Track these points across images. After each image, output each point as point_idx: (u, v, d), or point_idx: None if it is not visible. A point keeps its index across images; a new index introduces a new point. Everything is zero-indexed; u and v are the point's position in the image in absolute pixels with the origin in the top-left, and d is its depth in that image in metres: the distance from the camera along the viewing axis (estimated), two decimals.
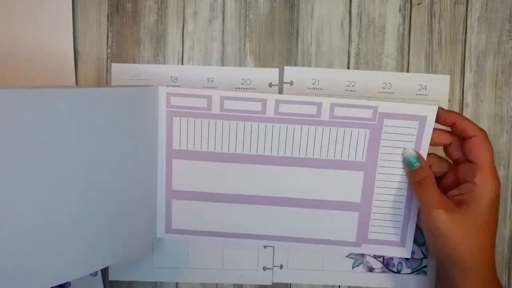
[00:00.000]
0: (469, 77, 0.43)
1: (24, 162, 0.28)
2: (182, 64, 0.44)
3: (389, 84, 0.43)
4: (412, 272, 0.43)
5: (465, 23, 0.43)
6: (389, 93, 0.43)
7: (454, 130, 0.37)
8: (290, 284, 0.44)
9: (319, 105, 0.38)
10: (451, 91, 0.43)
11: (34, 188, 0.29)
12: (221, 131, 0.38)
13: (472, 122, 0.36)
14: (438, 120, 0.37)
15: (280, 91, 0.43)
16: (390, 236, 0.40)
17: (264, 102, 0.38)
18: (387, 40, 0.43)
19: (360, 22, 0.43)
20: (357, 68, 0.43)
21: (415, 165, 0.37)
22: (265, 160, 0.39)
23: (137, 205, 0.38)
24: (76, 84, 0.43)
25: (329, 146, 0.38)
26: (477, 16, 0.43)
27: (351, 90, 0.43)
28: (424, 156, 0.38)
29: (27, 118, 0.28)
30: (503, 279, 0.44)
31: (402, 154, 0.38)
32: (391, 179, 0.39)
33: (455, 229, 0.34)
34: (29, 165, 0.28)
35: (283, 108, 0.38)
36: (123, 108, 0.35)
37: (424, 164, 0.37)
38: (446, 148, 0.38)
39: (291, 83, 0.43)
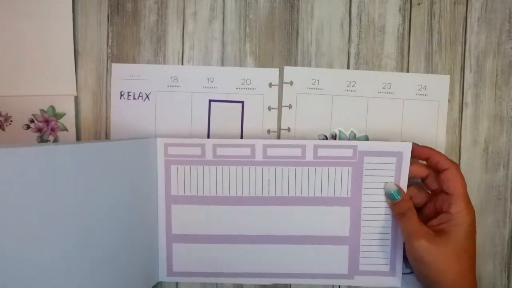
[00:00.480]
0: (469, 77, 0.44)
1: (29, 212, 0.28)
2: (182, 64, 0.44)
3: (389, 84, 0.43)
4: (411, 272, 0.43)
5: (465, 23, 0.43)
6: (389, 93, 0.43)
7: (429, 164, 0.39)
8: (290, 284, 0.44)
9: (303, 147, 0.41)
10: (451, 91, 0.43)
11: (36, 234, 0.29)
12: (215, 176, 0.41)
13: (444, 156, 0.38)
14: (413, 154, 0.40)
15: (280, 91, 0.43)
16: (381, 266, 0.42)
17: (253, 147, 0.41)
18: (387, 40, 0.43)
19: (360, 22, 0.43)
20: (357, 68, 0.43)
21: (397, 198, 0.40)
22: (257, 201, 0.42)
23: (139, 251, 0.40)
24: (76, 84, 0.43)
25: (315, 184, 0.41)
26: (476, 16, 0.43)
27: (351, 90, 0.43)
28: (404, 188, 0.40)
29: (32, 174, 0.28)
30: (503, 279, 0.44)
31: (384, 188, 0.41)
32: (376, 212, 0.41)
33: (437, 256, 0.36)
34: (33, 214, 0.29)
35: (271, 152, 0.41)
36: (124, 160, 0.37)
37: (405, 197, 0.40)
38: (424, 180, 0.41)
39: (291, 83, 0.43)
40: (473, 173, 0.44)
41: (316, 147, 0.41)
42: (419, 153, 0.39)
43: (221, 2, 0.43)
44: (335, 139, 0.43)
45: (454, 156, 0.44)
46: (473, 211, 0.37)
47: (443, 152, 0.43)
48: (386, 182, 0.40)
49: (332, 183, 0.41)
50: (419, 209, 0.40)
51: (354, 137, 0.43)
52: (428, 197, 0.41)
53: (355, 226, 0.42)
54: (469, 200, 0.38)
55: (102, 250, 0.35)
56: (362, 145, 0.40)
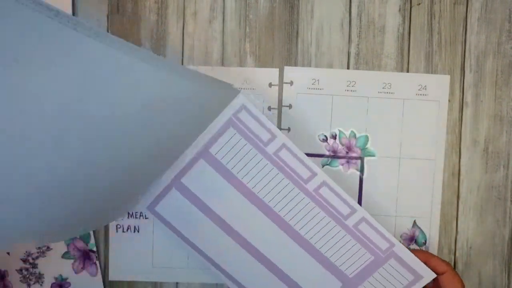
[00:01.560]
0: (469, 77, 0.44)
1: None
2: (182, 64, 0.44)
3: (389, 84, 0.43)
4: None
5: (465, 23, 0.43)
6: (389, 93, 0.43)
7: (428, 267, 0.39)
8: None
9: (350, 208, 0.39)
10: (451, 91, 0.43)
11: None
12: (261, 170, 0.38)
13: (439, 258, 0.39)
14: None
15: (280, 91, 0.43)
16: None
17: (313, 175, 0.38)
18: (387, 40, 0.43)
19: (360, 22, 0.43)
20: (357, 68, 0.43)
21: None
22: (275, 218, 0.39)
23: (141, 166, 0.35)
24: None
25: (334, 246, 0.39)
26: (476, 16, 0.43)
27: (351, 90, 0.43)
28: None
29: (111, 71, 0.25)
30: (503, 279, 0.44)
31: None
32: None
33: None
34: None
35: (323, 191, 0.38)
36: (197, 92, 0.32)
37: None
38: None
39: (291, 83, 0.43)
40: (473, 173, 0.44)
41: (361, 221, 0.39)
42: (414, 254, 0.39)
43: (221, 2, 0.43)
44: (335, 139, 0.43)
45: (454, 156, 0.44)
46: None
47: (443, 152, 0.43)
48: None
49: (347, 257, 0.39)
50: None
51: (354, 137, 0.43)
52: None
53: None
54: None
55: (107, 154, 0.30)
56: (399, 249, 0.38)
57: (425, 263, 0.39)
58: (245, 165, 0.38)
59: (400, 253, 0.39)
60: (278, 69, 0.43)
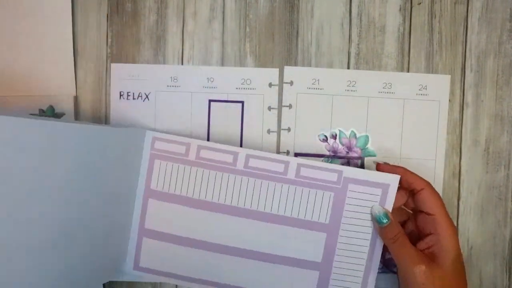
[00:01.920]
0: (469, 77, 0.43)
1: (21, 179, 0.31)
2: (182, 64, 0.43)
3: (389, 84, 0.43)
4: None
5: (465, 23, 0.43)
6: (390, 93, 0.43)
7: (402, 184, 0.39)
8: None
9: (286, 164, 0.40)
10: (452, 91, 0.43)
11: (22, 202, 0.31)
12: (194, 178, 0.41)
13: (416, 175, 0.38)
14: (385, 171, 0.39)
15: (280, 91, 0.43)
16: None
17: (235, 155, 0.40)
18: (387, 40, 0.43)
19: (360, 22, 0.43)
20: (357, 68, 0.43)
21: (384, 222, 0.38)
22: (232, 211, 0.41)
23: (110, 237, 0.40)
24: (76, 84, 0.43)
25: (294, 205, 0.40)
26: (477, 16, 0.43)
27: (352, 90, 0.43)
28: None
29: (32, 144, 0.31)
30: (504, 280, 0.44)
31: (371, 212, 0.39)
32: (353, 242, 0.40)
33: (435, 281, 0.35)
34: (25, 182, 0.31)
35: (253, 162, 0.40)
36: (112, 145, 0.38)
37: (394, 220, 0.38)
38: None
39: (291, 83, 0.43)
40: (474, 173, 0.44)
41: (299, 166, 0.40)
42: (392, 172, 0.39)
43: (221, 2, 0.43)
44: (335, 139, 0.43)
45: (454, 156, 0.44)
46: (456, 229, 0.38)
47: (443, 151, 0.43)
48: (373, 206, 0.39)
49: (311, 207, 0.40)
50: None
51: (354, 137, 0.43)
52: (407, 215, 0.41)
53: (329, 253, 0.40)
54: (450, 218, 0.37)
55: (76, 227, 0.36)
56: (348, 171, 0.39)
57: (402, 179, 0.38)
58: (183, 182, 0.41)
59: (352, 175, 0.39)
60: (278, 69, 0.43)
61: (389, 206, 0.39)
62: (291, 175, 0.40)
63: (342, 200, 0.40)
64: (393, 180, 0.38)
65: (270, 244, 0.41)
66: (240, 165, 0.40)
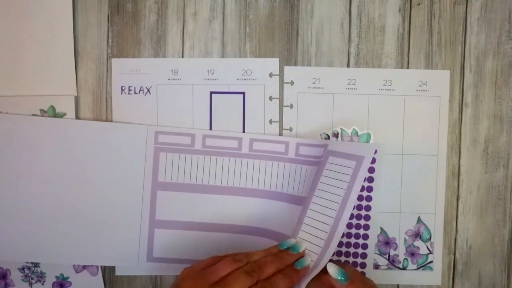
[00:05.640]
0: (468, 77, 0.44)
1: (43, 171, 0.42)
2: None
3: (390, 81, 0.43)
4: (418, 268, 0.43)
5: (464, 24, 0.44)
6: (390, 90, 0.43)
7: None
8: None
9: (287, 144, 0.43)
10: (451, 91, 0.44)
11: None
12: (202, 165, 0.43)
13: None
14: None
15: (281, 91, 0.43)
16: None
17: (240, 140, 0.43)
18: (387, 40, 0.43)
19: (360, 22, 0.43)
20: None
21: (344, 281, 0.35)
22: (240, 192, 0.43)
23: (120, 232, 0.43)
24: (77, 83, 0.43)
25: (294, 183, 0.42)
26: (476, 17, 0.43)
27: (352, 88, 0.43)
28: (355, 195, 0.38)
29: (43, 140, 0.41)
30: (503, 279, 0.44)
31: (330, 272, 0.35)
32: (318, 218, 0.39)
33: None
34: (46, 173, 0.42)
35: (257, 146, 0.43)
36: (116, 142, 0.43)
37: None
38: None
39: (292, 83, 0.43)
40: (473, 173, 0.44)
41: (298, 145, 0.42)
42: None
43: (221, 2, 0.43)
44: (337, 137, 0.43)
45: (454, 156, 0.44)
46: None
47: (444, 152, 0.43)
48: (330, 265, 0.35)
49: (303, 183, 0.41)
50: None
51: (356, 135, 0.43)
52: None
53: (298, 225, 0.40)
54: None
55: (89, 220, 0.43)
56: (332, 145, 0.41)
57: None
58: (191, 170, 0.43)
59: (334, 148, 0.40)
60: (278, 58, 0.43)
61: (359, 181, 0.38)
62: (291, 154, 0.43)
63: (320, 172, 0.40)
64: (368, 151, 0.39)
65: (252, 218, 0.43)
66: (245, 149, 0.43)
